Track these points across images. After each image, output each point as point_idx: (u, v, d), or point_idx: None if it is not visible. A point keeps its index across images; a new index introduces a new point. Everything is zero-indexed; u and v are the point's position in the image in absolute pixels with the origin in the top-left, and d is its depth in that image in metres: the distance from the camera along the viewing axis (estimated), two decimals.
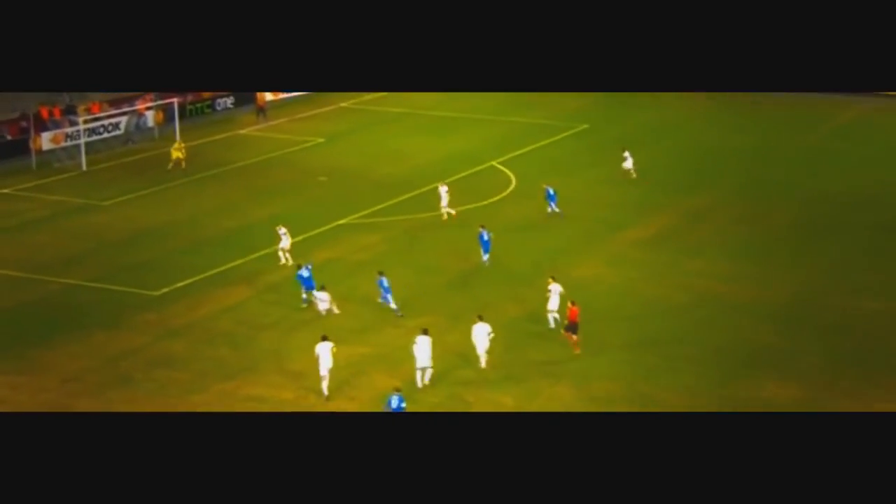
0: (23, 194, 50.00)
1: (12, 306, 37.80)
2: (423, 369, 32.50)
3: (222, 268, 40.95)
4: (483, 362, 33.55)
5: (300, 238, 43.24)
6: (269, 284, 39.38)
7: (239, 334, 35.46)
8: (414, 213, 46.87)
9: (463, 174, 53.00)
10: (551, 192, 47.19)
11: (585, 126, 62.91)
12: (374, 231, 43.51)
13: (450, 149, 58.20)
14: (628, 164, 52.68)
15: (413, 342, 32.49)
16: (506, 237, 43.14)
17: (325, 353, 32.16)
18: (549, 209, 46.96)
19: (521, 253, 42.70)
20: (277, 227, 41.77)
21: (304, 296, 37.50)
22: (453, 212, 46.10)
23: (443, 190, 46.66)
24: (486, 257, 41.78)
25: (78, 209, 47.85)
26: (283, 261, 41.28)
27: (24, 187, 51.03)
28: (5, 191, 50.52)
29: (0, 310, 37.59)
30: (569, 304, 35.12)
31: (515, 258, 42.08)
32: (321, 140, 56.71)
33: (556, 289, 36.45)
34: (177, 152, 53.20)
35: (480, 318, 33.93)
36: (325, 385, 31.90)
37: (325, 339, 32.62)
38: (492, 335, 33.56)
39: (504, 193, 50.25)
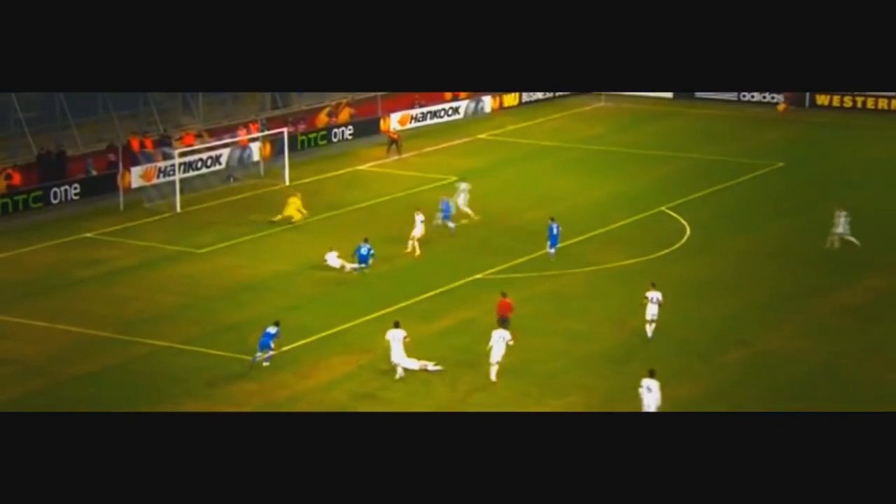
0: (108, 239, 50.43)
1: (97, 370, 37.94)
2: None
3: (336, 328, 40.67)
4: (494, 374, 36.26)
5: (428, 294, 42.85)
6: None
7: (353, 409, 35.01)
8: (563, 269, 46.16)
9: (625, 221, 52.16)
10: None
11: (780, 164, 61.62)
12: (516, 288, 42.81)
13: (609, 190, 57.49)
14: (842, 227, 48.48)
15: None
16: (677, 299, 42.08)
17: (396, 342, 36.32)
18: (440, 221, 50.32)
19: (696, 319, 41.69)
20: (416, 212, 47.66)
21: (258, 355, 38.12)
22: (475, 215, 49.02)
23: (463, 187, 50.00)
24: (552, 251, 46.79)
25: (169, 257, 48.09)
26: (410, 249, 46.28)
27: (110, 230, 51.50)
28: (88, 235, 51.03)
29: (82, 374, 37.74)
30: (500, 296, 38.61)
31: (688, 325, 41.05)
32: (454, 178, 56.41)
33: (654, 297, 38.57)
34: (294, 209, 52.65)
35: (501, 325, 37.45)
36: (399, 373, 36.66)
37: (397, 325, 37.04)
38: (511, 341, 36.16)
39: (676, 245, 49.27)
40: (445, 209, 50.46)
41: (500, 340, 36.46)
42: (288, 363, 38.24)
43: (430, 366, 37.18)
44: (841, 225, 48.19)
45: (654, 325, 39.32)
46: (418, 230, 47.78)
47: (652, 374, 33.46)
